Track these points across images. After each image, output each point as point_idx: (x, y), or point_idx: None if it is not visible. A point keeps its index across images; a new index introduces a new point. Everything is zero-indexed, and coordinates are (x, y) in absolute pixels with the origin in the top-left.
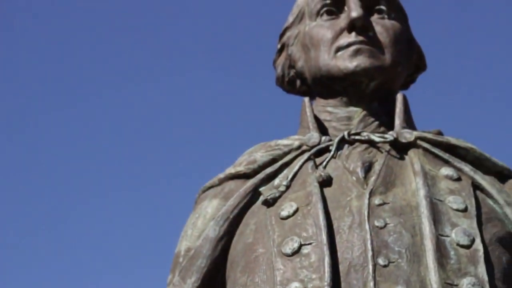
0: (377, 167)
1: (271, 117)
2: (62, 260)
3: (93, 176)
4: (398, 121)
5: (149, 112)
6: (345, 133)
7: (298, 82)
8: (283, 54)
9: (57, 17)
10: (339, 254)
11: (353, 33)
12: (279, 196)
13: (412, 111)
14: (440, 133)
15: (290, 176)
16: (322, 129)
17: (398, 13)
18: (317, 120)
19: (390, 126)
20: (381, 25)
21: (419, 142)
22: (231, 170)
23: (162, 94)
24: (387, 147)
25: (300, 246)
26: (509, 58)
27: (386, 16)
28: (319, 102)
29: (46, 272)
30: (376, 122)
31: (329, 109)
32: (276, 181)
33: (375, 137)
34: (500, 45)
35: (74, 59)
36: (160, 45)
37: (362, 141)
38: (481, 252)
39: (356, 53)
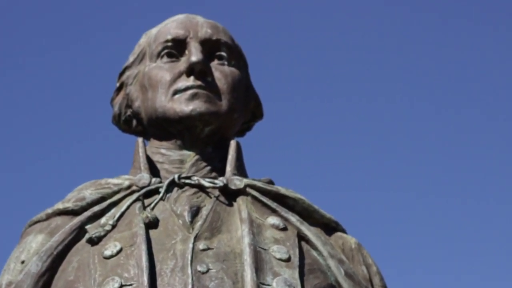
0: (204, 212)
1: (105, 155)
2: None
3: None
4: (229, 167)
5: None
6: (176, 176)
7: (134, 122)
8: (121, 93)
9: None
10: None
11: (192, 77)
12: (104, 235)
13: (247, 158)
14: (271, 182)
15: (117, 216)
16: (154, 171)
17: (238, 61)
18: (150, 161)
19: (222, 172)
20: (220, 71)
21: (248, 189)
22: (59, 205)
23: None
24: (217, 192)
25: (121, 286)
26: (342, 111)
27: (226, 63)
28: (154, 143)
29: None
30: (208, 167)
31: (163, 151)
32: (103, 220)
33: (205, 182)
34: (333, 97)
35: None
36: None
37: (191, 185)
38: None
39: (193, 97)
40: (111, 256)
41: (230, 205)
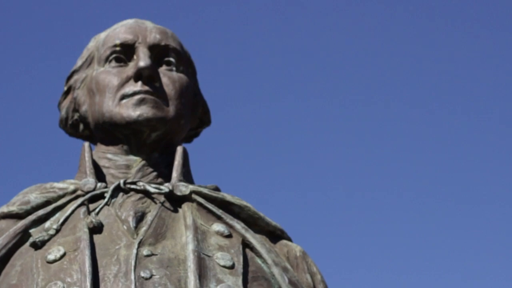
0: (149, 217)
1: (51, 159)
2: None
3: None
4: (175, 173)
5: None
6: (121, 181)
7: (81, 126)
8: (69, 97)
9: None
10: None
11: (139, 82)
12: (48, 239)
13: (194, 165)
14: (217, 189)
15: (61, 220)
16: (100, 176)
17: (187, 67)
18: (96, 166)
19: (169, 178)
20: (168, 77)
21: (194, 196)
22: (3, 209)
23: None
24: (162, 198)
25: None
26: (289, 118)
27: (174, 69)
28: (100, 148)
29: None
30: (155, 173)
31: (109, 156)
32: (47, 224)
33: (151, 188)
34: (280, 104)
35: None
36: None
37: (137, 191)
38: None
39: (140, 102)
40: (55, 261)
41: (175, 211)
